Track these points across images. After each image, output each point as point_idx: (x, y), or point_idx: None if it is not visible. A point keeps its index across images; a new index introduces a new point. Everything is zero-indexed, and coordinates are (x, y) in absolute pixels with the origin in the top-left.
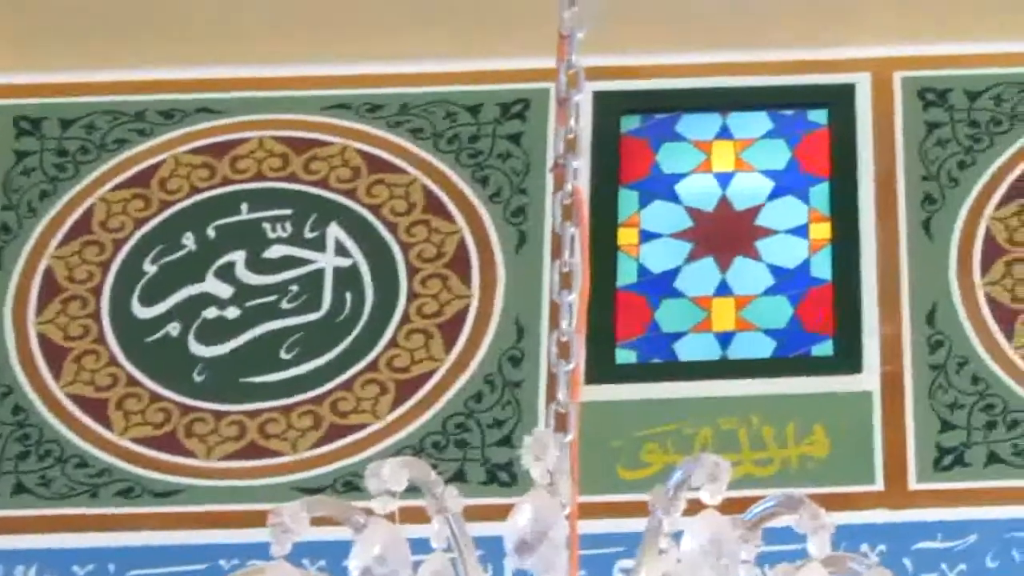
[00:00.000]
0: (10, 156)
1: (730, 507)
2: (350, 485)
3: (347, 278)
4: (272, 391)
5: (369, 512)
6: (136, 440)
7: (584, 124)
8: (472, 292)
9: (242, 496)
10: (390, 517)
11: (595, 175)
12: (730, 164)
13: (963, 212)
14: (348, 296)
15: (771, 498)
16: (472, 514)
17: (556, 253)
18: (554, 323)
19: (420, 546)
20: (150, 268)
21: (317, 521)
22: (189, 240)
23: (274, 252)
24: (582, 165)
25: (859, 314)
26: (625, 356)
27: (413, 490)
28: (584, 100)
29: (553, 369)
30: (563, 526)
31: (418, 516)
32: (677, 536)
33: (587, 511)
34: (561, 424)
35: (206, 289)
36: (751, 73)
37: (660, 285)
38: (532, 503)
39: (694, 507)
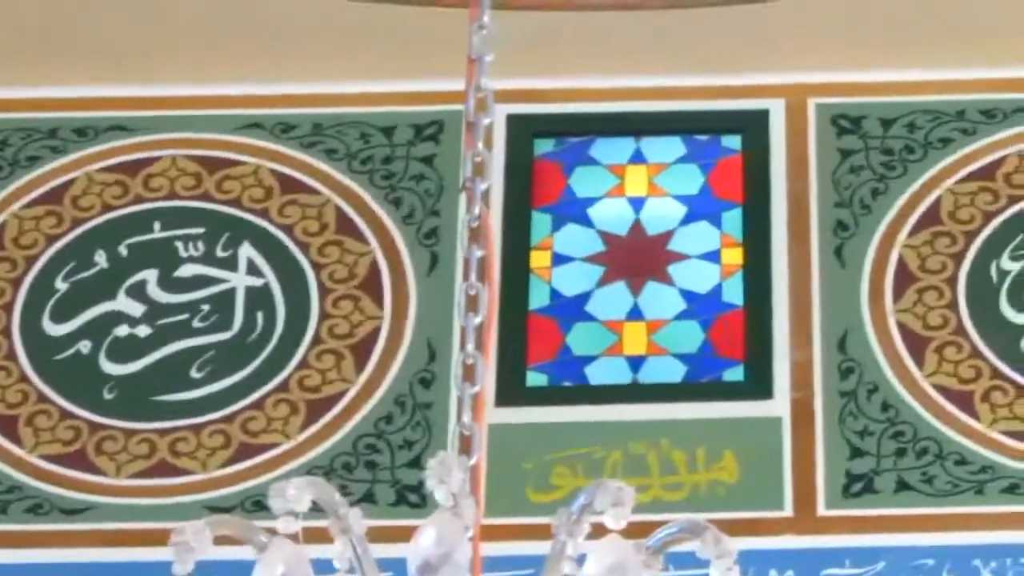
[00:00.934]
0: None
1: (640, 531)
2: (259, 505)
3: (259, 298)
4: (183, 409)
5: (273, 532)
6: (45, 457)
7: (497, 147)
8: (384, 313)
9: (151, 514)
10: (293, 537)
11: (508, 198)
12: (643, 189)
13: (876, 239)
14: (260, 316)
15: (674, 523)
16: (382, 535)
17: (466, 276)
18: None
19: (323, 567)
20: (62, 285)
21: (221, 540)
22: (101, 258)
23: (186, 271)
24: (494, 188)
25: (770, 340)
26: (536, 379)
27: (318, 510)
28: (497, 123)
29: (458, 392)
30: (467, 548)
31: (322, 536)
32: (582, 560)
33: (497, 533)
34: (466, 446)
35: (117, 307)
36: (665, 98)
37: (572, 309)
38: (436, 525)
39: (603, 531)
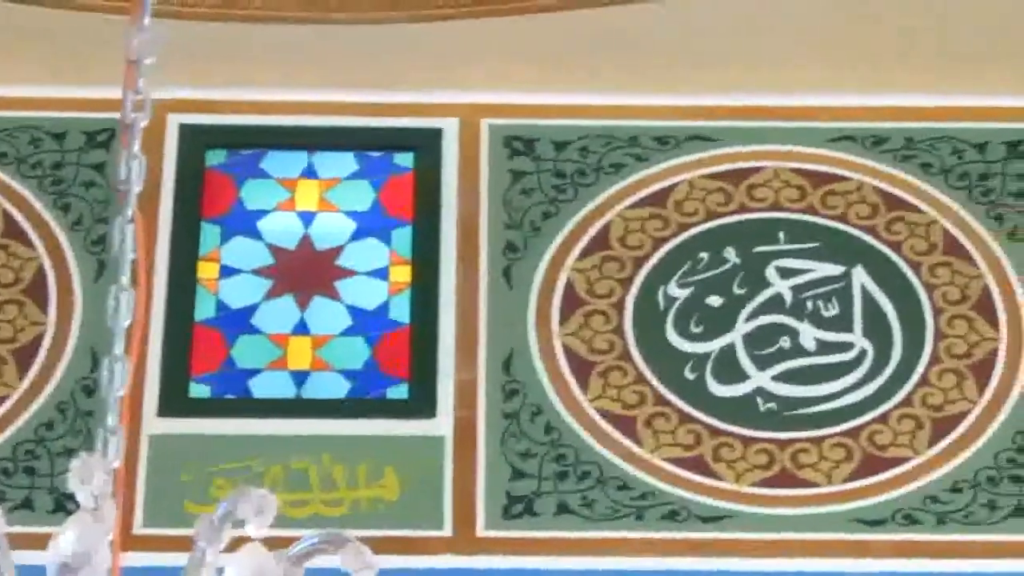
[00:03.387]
0: None
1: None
2: None
3: None
4: None
5: None
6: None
7: (169, 157)
8: (48, 319)
9: None
10: None
11: (177, 208)
12: (314, 203)
13: (544, 262)
14: None
15: (316, 535)
16: (38, 542)
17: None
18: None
19: None
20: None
21: None
22: None
23: None
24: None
25: (435, 359)
26: (199, 390)
27: None
28: (169, 133)
29: (103, 395)
30: (106, 551)
31: None
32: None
33: (154, 544)
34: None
35: None
36: (338, 113)
37: (238, 321)
38: (75, 527)
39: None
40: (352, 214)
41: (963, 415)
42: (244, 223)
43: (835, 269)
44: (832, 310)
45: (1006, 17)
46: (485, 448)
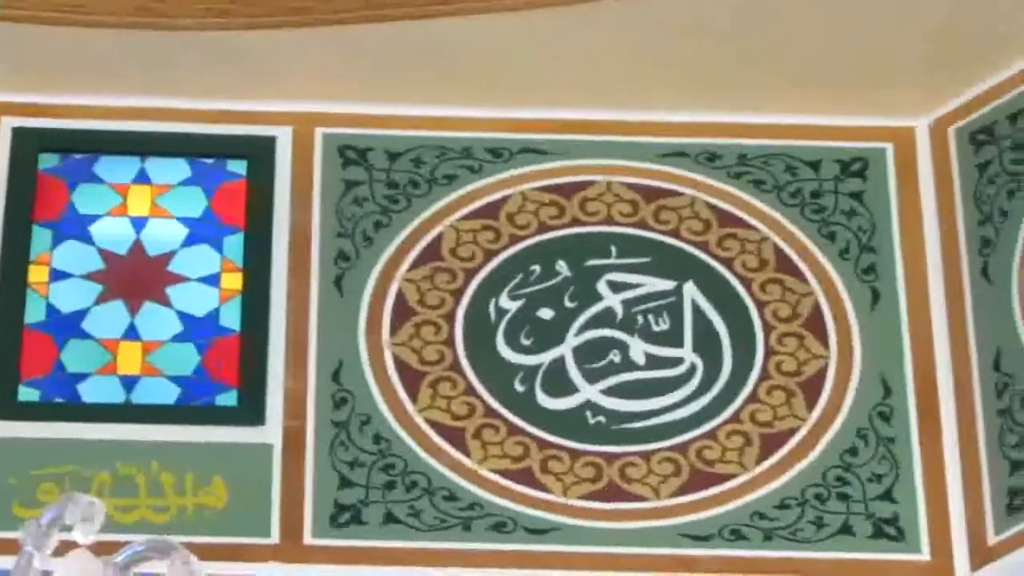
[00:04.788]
0: None
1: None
2: None
3: None
4: None
5: None
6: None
7: (1, 160)
8: None
9: None
10: None
11: (9, 211)
12: (146, 209)
13: (376, 271)
14: None
15: (142, 542)
16: None
17: None
18: None
19: None
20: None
21: None
22: None
23: None
24: None
25: (265, 367)
26: (28, 394)
27: None
28: (2, 135)
29: None
30: None
31: None
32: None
33: None
34: None
35: None
36: (173, 119)
37: (68, 325)
38: None
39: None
40: (184, 220)
41: (792, 432)
42: (76, 227)
43: (666, 284)
44: (663, 325)
45: (839, 39)
46: (314, 457)
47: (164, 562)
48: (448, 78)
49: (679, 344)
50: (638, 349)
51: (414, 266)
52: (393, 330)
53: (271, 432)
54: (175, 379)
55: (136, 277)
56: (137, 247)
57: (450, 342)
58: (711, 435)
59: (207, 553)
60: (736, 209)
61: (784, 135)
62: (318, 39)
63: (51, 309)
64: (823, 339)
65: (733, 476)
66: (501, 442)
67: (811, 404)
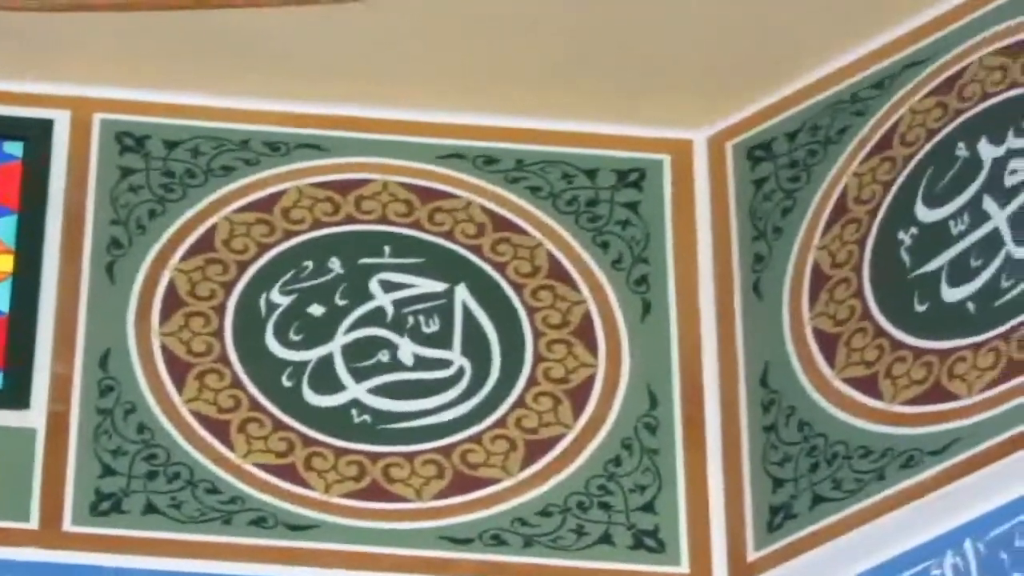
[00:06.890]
0: None
1: None
2: None
3: None
4: None
5: None
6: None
7: None
8: None
9: None
10: None
11: None
12: None
13: (148, 260)
14: None
15: None
16: None
17: None
18: None
19: None
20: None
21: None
22: None
23: None
24: None
25: (32, 350)
26: None
27: None
28: None
29: None
30: None
31: None
32: None
33: None
34: None
35: None
36: None
37: None
38: None
39: None
40: None
41: (557, 439)
42: None
43: (438, 286)
44: (433, 326)
45: (620, 48)
46: (77, 443)
47: None
48: (230, 69)
49: (448, 346)
50: (407, 350)
51: (186, 256)
52: (163, 320)
53: (35, 416)
54: None
55: None
56: None
57: (219, 334)
58: (476, 439)
59: None
60: (511, 214)
61: (563, 142)
62: (99, 23)
63: None
64: (592, 348)
65: (496, 481)
66: (266, 437)
67: (577, 412)
